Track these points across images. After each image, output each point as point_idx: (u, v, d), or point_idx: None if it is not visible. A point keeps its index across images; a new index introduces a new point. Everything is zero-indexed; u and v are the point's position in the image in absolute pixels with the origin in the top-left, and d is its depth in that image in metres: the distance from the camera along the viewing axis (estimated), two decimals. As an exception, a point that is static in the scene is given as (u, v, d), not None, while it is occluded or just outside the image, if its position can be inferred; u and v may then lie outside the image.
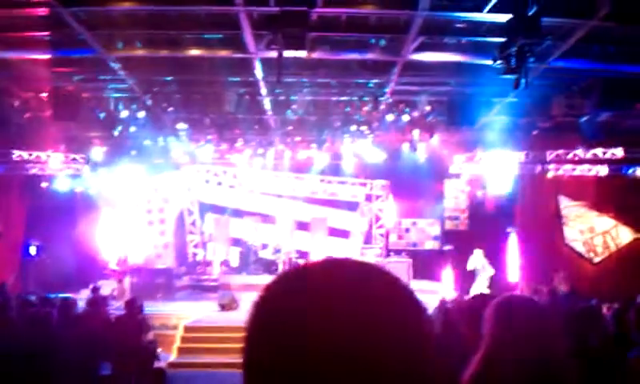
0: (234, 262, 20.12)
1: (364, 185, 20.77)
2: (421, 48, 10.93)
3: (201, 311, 15.08)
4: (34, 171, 18.44)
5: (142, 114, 14.28)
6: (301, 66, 11.69)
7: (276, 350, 0.81)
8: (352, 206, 20.89)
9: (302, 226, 20.65)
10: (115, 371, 8.22)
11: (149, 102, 14.06)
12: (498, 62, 10.11)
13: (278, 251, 20.03)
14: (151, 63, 11.98)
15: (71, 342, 8.14)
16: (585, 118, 13.46)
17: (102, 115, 14.58)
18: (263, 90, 13.30)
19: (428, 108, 14.25)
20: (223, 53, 11.28)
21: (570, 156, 16.56)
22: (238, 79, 13.15)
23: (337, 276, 0.87)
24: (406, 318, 0.83)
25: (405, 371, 0.79)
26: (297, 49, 10.08)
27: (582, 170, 16.74)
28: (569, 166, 16.81)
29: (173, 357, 12.35)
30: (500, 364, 2.10)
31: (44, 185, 18.99)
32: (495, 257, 16.59)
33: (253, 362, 0.86)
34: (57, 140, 17.48)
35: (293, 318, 0.82)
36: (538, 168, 17.04)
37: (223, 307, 15.73)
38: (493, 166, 17.32)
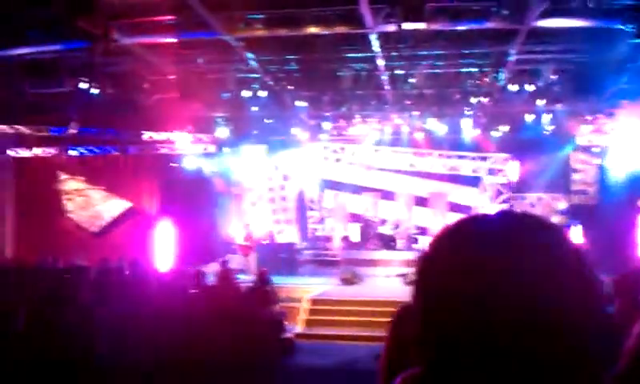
0: (354, 238, 20.35)
1: (485, 159, 20.26)
2: (545, 14, 10.42)
3: (323, 285, 15.40)
4: (163, 151, 19.57)
5: (263, 94, 14.66)
6: (419, 39, 11.51)
7: (460, 277, 0.83)
8: (473, 181, 20.45)
9: (421, 202, 20.48)
10: (246, 340, 8.60)
11: (270, 82, 14.41)
12: (630, 26, 9.53)
13: (397, 227, 20.03)
14: (271, 43, 12.24)
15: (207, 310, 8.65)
16: None
17: (226, 95, 15.11)
18: (381, 64, 13.22)
19: (553, 77, 13.57)
20: (341, 29, 11.30)
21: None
22: (356, 55, 13.18)
23: (514, 225, 0.89)
24: (579, 269, 0.84)
25: (578, 321, 0.80)
26: (415, 21, 9.96)
27: None
28: None
29: (299, 328, 12.71)
30: None
31: (173, 165, 20.08)
32: (627, 233, 15.62)
33: (430, 290, 0.88)
34: (184, 121, 18.36)
35: (475, 257, 0.84)
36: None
37: (345, 281, 16.02)
38: (624, 136, 16.29)
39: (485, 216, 0.93)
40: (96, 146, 19.30)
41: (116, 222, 19.40)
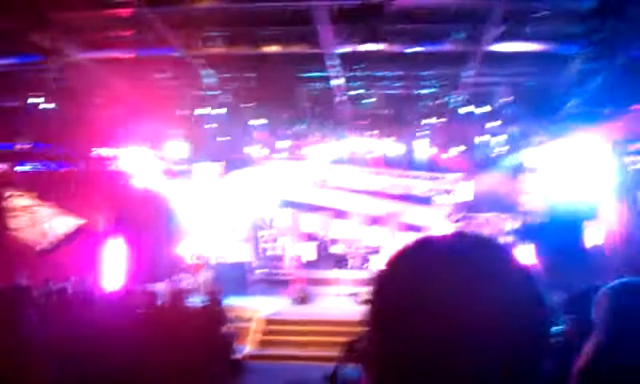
0: (307, 257, 20.25)
1: (438, 179, 20.48)
2: (500, 38, 10.65)
3: (274, 305, 15.26)
4: (114, 168, 19.12)
5: (221, 111, 14.50)
6: (376, 59, 11.59)
7: (405, 302, 0.85)
8: (426, 201, 20.63)
9: (375, 221, 20.55)
10: (195, 360, 8.39)
11: (227, 99, 14.27)
12: (580, 50, 9.81)
13: (349, 246, 20.04)
14: (229, 60, 12.15)
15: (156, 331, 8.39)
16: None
17: (182, 112, 14.89)
18: (338, 84, 13.26)
19: (507, 99, 13.86)
20: (299, 48, 11.31)
21: None
22: (314, 74, 13.18)
23: (467, 246, 0.90)
24: (527, 288, 0.86)
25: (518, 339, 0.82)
26: (373, 42, 10.03)
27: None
28: None
29: (249, 348, 12.54)
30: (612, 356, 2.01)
31: (125, 182, 19.63)
32: (575, 253, 15.99)
33: (380, 313, 0.90)
34: (138, 137, 18.01)
35: (421, 282, 0.86)
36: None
37: (297, 301, 15.91)
38: (572, 158, 16.69)
39: (438, 238, 0.95)
40: (46, 161, 18.73)
41: (64, 240, 18.82)
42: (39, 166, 18.88)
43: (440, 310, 0.82)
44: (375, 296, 0.92)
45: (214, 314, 10.96)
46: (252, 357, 11.99)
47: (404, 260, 0.92)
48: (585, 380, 2.08)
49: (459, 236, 0.94)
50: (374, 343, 0.89)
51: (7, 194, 18.72)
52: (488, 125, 15.53)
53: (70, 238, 18.79)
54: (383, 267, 0.94)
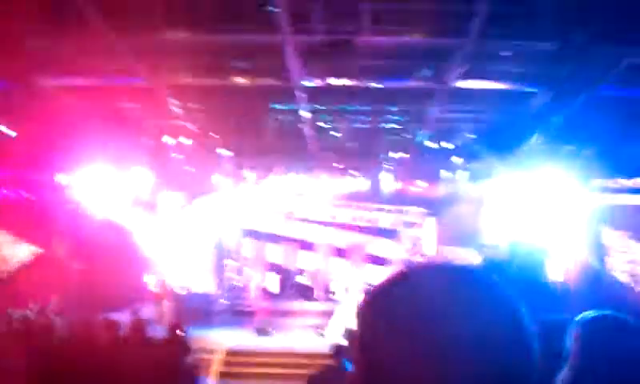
0: (272, 288, 20.16)
1: (402, 212, 20.67)
2: (465, 76, 10.91)
3: (238, 336, 15.13)
4: (76, 195, 18.88)
5: (187, 141, 14.50)
6: (343, 93, 11.74)
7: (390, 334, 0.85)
8: (390, 234, 20.79)
9: (340, 253, 20.61)
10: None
11: (194, 129, 14.27)
12: (544, 89, 10.10)
13: (314, 277, 20.02)
14: (197, 90, 12.17)
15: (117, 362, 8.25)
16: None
17: (148, 141, 14.84)
18: (305, 116, 13.37)
19: (470, 136, 14.14)
20: (267, 81, 11.40)
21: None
22: (282, 106, 13.28)
23: (442, 280, 0.91)
24: (514, 318, 0.88)
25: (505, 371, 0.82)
26: (342, 77, 10.18)
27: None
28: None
29: (211, 381, 12.39)
30: None
31: (86, 209, 19.37)
32: (531, 286, 16.23)
33: (367, 347, 0.89)
34: (102, 164, 17.83)
35: (405, 314, 0.86)
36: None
37: (260, 332, 15.79)
38: (533, 193, 17.05)
39: (422, 268, 0.98)
40: (7, 188, 18.40)
41: (23, 268, 18.42)
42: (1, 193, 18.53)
43: (429, 334, 0.82)
44: (362, 323, 0.92)
45: (176, 345, 10.81)
46: (215, 389, 11.86)
47: (387, 294, 0.92)
48: None
49: (442, 266, 0.96)
50: (361, 369, 0.89)
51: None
52: (452, 159, 15.80)
53: (28, 266, 18.40)
54: (367, 297, 0.94)
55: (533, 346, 0.87)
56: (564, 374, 2.19)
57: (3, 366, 7.83)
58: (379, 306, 0.91)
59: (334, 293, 19.14)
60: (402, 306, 0.87)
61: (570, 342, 2.21)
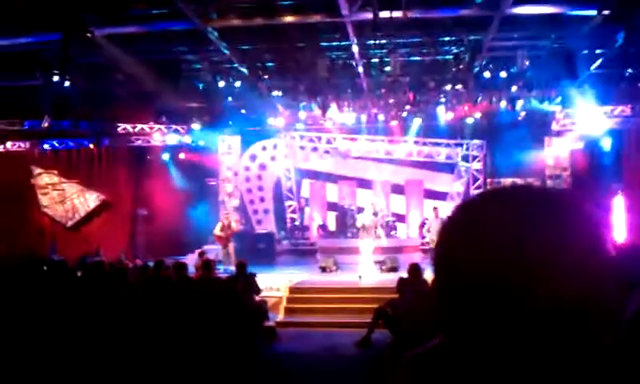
0: (332, 226, 20.43)
1: (460, 145, 20.46)
2: (519, 1, 10.58)
3: (302, 274, 15.45)
4: (138, 143, 19.48)
5: (238, 84, 14.63)
6: (394, 27, 11.56)
7: (474, 251, 0.86)
8: (448, 168, 20.64)
9: (398, 189, 20.63)
10: (229, 330, 8.61)
11: (245, 71, 14.37)
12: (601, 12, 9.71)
13: (374, 215, 20.12)
14: (246, 32, 12.20)
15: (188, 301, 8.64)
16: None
17: (201, 86, 15.04)
18: (356, 53, 13.25)
19: (526, 64, 13.73)
20: (316, 17, 11.31)
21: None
22: (332, 44, 13.21)
23: (528, 197, 0.91)
24: (592, 243, 0.86)
25: (585, 293, 0.82)
26: (391, 9, 10.03)
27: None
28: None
29: (280, 316, 12.75)
30: None
31: (149, 156, 19.99)
32: (603, 215, 15.88)
33: (448, 260, 0.91)
34: (158, 112, 18.26)
35: (491, 228, 0.87)
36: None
37: (324, 270, 16.09)
38: (595, 121, 16.60)
39: (497, 191, 0.96)
40: (70, 139, 19.10)
41: (92, 216, 19.25)
42: (64, 144, 19.27)
43: (518, 244, 0.83)
44: (439, 251, 0.93)
45: (245, 283, 11.17)
46: (284, 324, 12.18)
47: (482, 200, 0.94)
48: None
49: (529, 186, 0.95)
50: (440, 297, 0.90)
51: (36, 171, 19.14)
52: (509, 89, 15.45)
53: (97, 213, 19.21)
54: (445, 224, 0.95)
55: (613, 271, 0.87)
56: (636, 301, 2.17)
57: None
58: (468, 215, 0.93)
59: (395, 229, 19.24)
60: (491, 218, 0.88)
61: None
